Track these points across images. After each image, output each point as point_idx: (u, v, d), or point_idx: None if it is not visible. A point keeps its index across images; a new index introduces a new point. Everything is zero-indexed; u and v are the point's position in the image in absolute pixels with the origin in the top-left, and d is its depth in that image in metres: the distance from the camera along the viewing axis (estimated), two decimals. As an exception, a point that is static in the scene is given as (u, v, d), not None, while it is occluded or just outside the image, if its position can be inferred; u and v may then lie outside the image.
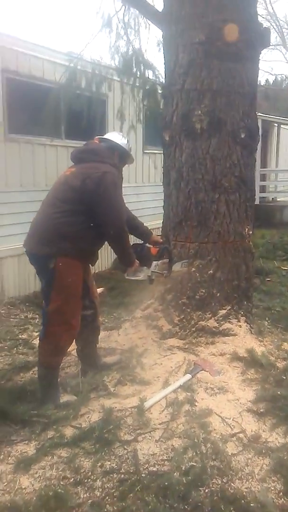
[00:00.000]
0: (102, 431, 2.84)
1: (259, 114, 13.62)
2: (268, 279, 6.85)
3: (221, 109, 3.81)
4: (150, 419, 2.98)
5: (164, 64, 4.13)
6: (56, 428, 2.92)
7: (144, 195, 8.54)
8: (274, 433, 2.85)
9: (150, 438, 2.83)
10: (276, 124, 15.55)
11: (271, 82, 36.91)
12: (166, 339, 3.95)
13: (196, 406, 3.10)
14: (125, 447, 2.76)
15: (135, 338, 4.05)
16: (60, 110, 6.78)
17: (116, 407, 3.11)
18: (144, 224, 3.84)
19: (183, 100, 3.88)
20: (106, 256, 8.12)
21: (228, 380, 3.39)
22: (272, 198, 15.34)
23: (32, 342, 4.35)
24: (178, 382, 3.33)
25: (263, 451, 2.67)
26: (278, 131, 15.58)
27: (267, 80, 36.74)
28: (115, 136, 3.47)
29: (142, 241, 3.78)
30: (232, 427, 2.90)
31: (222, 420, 2.96)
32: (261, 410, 3.03)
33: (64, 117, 6.89)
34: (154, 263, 3.57)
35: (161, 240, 3.87)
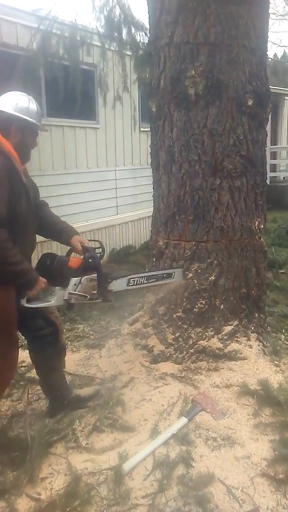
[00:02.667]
0: (66, 509, 2.10)
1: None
2: (282, 271, 6.03)
3: (221, 68, 2.94)
4: (131, 489, 2.22)
5: (148, 12, 3.25)
6: (7, 499, 2.19)
7: (141, 179, 7.70)
8: (299, 512, 2.06)
9: (128, 520, 2.07)
10: (287, 97, 14.48)
11: (280, 56, 35.36)
12: (157, 363, 3.19)
13: (193, 467, 2.33)
14: (95, 534, 2.01)
15: (119, 362, 3.29)
16: (40, 84, 5.91)
17: (87, 468, 2.37)
18: (68, 223, 2.82)
19: (172, 58, 3.02)
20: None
21: (236, 426, 2.60)
22: (284, 178, 14.39)
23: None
24: (170, 429, 2.56)
25: None
26: (289, 104, 14.52)
27: (275, 55, 35.16)
28: (8, 100, 2.37)
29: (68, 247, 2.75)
30: (241, 502, 2.13)
31: (228, 491, 2.19)
32: (281, 476, 2.24)
33: (46, 92, 6.02)
34: (74, 280, 2.53)
35: (87, 245, 2.69)
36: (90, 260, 2.57)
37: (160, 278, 3.04)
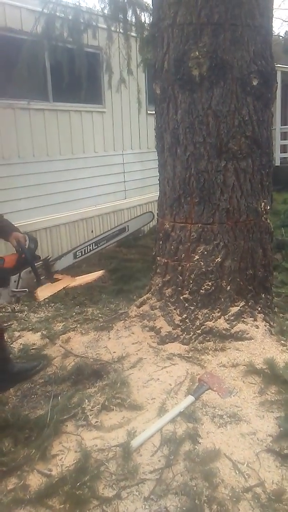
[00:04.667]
0: (76, 484, 2.16)
1: (278, 65, 12.36)
2: (291, 253, 6.00)
3: (225, 48, 2.91)
4: (139, 465, 2.27)
5: (151, -8, 3.21)
6: (19, 475, 2.26)
7: (149, 163, 7.69)
8: (304, 487, 2.11)
9: (137, 494, 2.14)
10: (297, 76, 14.16)
11: (291, 33, 34.47)
12: (165, 344, 3.22)
13: (199, 444, 2.38)
14: (104, 507, 2.08)
15: (127, 343, 3.33)
16: (46, 68, 5.91)
17: (96, 445, 2.43)
18: (4, 217, 2.91)
19: (175, 39, 2.99)
20: (109, 233, 7.37)
21: (242, 404, 2.64)
22: (294, 158, 14.17)
23: (12, 345, 3.67)
24: (177, 407, 2.60)
25: (289, 516, 1.94)
26: (299, 83, 14.20)
27: (286, 32, 34.29)
28: None
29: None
30: (246, 476, 2.18)
31: (234, 466, 2.23)
32: (285, 451, 2.28)
33: (51, 76, 6.01)
34: (14, 278, 2.73)
35: (23, 239, 2.82)
36: (23, 255, 2.75)
37: (111, 238, 3.14)
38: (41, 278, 2.90)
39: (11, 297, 2.77)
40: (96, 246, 3.13)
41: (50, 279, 2.95)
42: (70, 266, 3.06)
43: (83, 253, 3.06)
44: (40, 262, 2.90)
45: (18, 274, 2.76)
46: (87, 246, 3.09)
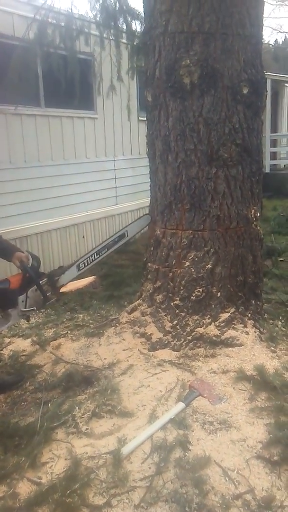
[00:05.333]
0: (66, 492, 2.15)
1: (268, 73, 12.50)
2: (281, 259, 6.06)
3: (216, 57, 2.94)
4: (129, 472, 2.27)
5: (143, 1, 3.23)
6: (9, 483, 2.25)
7: (140, 169, 7.70)
8: (293, 493, 2.11)
9: (127, 501, 2.13)
10: (287, 84, 14.35)
11: (281, 42, 34.98)
12: (155, 350, 3.23)
13: (190, 451, 2.38)
14: (94, 515, 2.07)
15: (118, 350, 3.33)
16: (38, 74, 5.90)
17: (87, 453, 2.42)
18: (6, 239, 2.98)
19: (166, 47, 3.01)
20: (100, 238, 7.37)
21: (232, 410, 2.64)
22: (284, 165, 14.33)
23: (1, 352, 3.64)
24: (168, 414, 2.60)
25: (278, 523, 1.95)
26: (289, 91, 14.39)
27: (276, 41, 34.79)
28: None
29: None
30: (236, 483, 2.18)
31: (224, 473, 2.24)
32: (275, 458, 2.29)
33: (43, 82, 6.01)
34: (21, 298, 2.78)
35: (26, 258, 2.84)
36: (27, 275, 2.78)
37: (112, 245, 3.16)
38: (48, 294, 2.92)
39: (21, 316, 2.82)
40: (98, 256, 3.14)
41: (56, 294, 3.00)
42: (74, 278, 3.09)
43: (86, 264, 3.07)
44: (45, 279, 2.92)
45: (25, 293, 2.79)
46: (89, 256, 3.09)
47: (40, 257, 6.09)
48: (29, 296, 2.81)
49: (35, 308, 2.87)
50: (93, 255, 3.12)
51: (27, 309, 2.80)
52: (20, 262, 2.78)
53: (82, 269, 3.08)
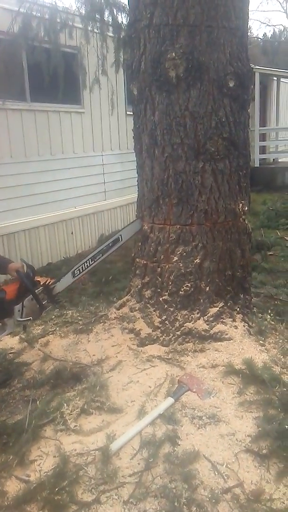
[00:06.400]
0: (54, 489, 2.14)
1: (257, 67, 12.48)
2: (271, 253, 6.08)
3: (201, 50, 2.92)
4: (118, 469, 2.26)
5: (127, -7, 3.20)
6: (-3, 481, 2.23)
7: (129, 164, 7.64)
8: (282, 486, 2.12)
9: (116, 498, 2.13)
10: (275, 78, 14.39)
11: (269, 35, 34.96)
12: (144, 346, 3.22)
13: (179, 445, 2.37)
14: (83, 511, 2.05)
15: (107, 346, 3.31)
16: (23, 68, 5.84)
17: (75, 450, 2.40)
18: None
19: (152, 40, 2.98)
20: (89, 234, 7.34)
21: (221, 405, 2.64)
22: (273, 159, 14.38)
23: None
24: (157, 409, 2.59)
25: (268, 516, 1.95)
26: (277, 85, 14.42)
27: (265, 34, 34.80)
28: None
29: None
30: (225, 477, 2.18)
31: (213, 467, 2.23)
32: (264, 451, 2.29)
33: (29, 76, 5.94)
34: (17, 307, 2.78)
35: (22, 268, 2.85)
36: (23, 285, 2.77)
37: (107, 250, 3.17)
38: (44, 303, 2.91)
39: (17, 326, 2.84)
40: (93, 261, 3.14)
41: (52, 302, 3.00)
42: (70, 286, 3.10)
43: (81, 271, 3.07)
44: (41, 287, 2.92)
45: (21, 303, 2.79)
46: (84, 263, 3.09)
47: (28, 254, 6.07)
48: (25, 306, 2.80)
49: (31, 318, 2.86)
50: (88, 261, 3.12)
51: (23, 319, 2.80)
52: (17, 272, 2.77)
53: (77, 275, 3.07)
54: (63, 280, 3.04)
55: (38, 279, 2.96)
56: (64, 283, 3.05)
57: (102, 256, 3.19)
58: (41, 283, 2.95)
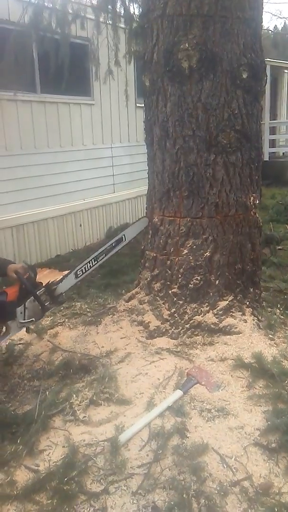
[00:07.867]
0: (63, 479, 2.15)
1: (268, 59, 12.37)
2: (280, 247, 6.05)
3: (215, 40, 2.88)
4: (127, 460, 2.27)
5: (140, -17, 3.16)
6: (6, 471, 2.24)
7: (138, 156, 7.63)
8: (291, 480, 2.12)
9: (125, 489, 2.13)
10: (286, 71, 14.24)
11: (280, 28, 34.57)
12: (153, 338, 3.22)
13: (188, 438, 2.37)
14: (92, 502, 2.08)
15: (116, 338, 3.31)
16: (34, 59, 5.82)
17: (84, 440, 2.41)
18: None
19: (165, 31, 2.96)
20: (98, 226, 7.33)
21: (230, 398, 2.64)
22: (283, 153, 14.28)
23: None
24: (166, 402, 2.60)
25: (276, 510, 1.94)
26: (288, 78, 14.26)
27: (275, 27, 34.37)
28: None
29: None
30: (234, 470, 2.18)
31: (221, 460, 2.23)
32: (273, 445, 2.29)
33: (39, 68, 5.92)
34: (19, 309, 2.74)
35: (22, 269, 2.81)
36: (23, 286, 2.74)
37: (110, 250, 3.15)
38: (46, 304, 2.89)
39: (20, 328, 2.81)
40: (96, 262, 3.12)
41: (55, 303, 2.98)
42: (73, 287, 3.08)
43: (84, 271, 3.05)
44: (42, 289, 2.89)
45: (23, 305, 2.76)
46: (87, 263, 3.07)
47: (37, 245, 6.09)
48: (27, 307, 2.77)
49: (33, 319, 2.84)
50: (91, 262, 3.10)
51: (26, 321, 2.78)
52: (16, 274, 2.74)
53: (80, 276, 3.05)
54: (65, 281, 3.02)
55: (40, 280, 2.95)
56: (67, 284, 3.02)
57: (105, 256, 3.17)
58: (43, 284, 2.94)
